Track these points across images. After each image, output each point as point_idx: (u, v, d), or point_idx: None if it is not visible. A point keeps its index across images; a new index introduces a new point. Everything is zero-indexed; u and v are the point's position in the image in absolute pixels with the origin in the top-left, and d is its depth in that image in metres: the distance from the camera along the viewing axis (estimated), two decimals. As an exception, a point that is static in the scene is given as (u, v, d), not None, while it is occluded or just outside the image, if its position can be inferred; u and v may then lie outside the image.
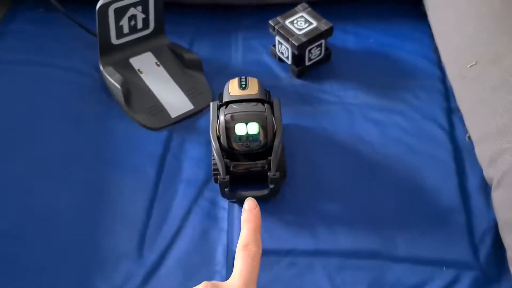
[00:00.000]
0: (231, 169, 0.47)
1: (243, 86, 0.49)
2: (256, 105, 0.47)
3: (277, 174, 0.46)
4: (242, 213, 0.42)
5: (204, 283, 0.37)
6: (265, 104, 0.47)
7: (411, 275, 0.45)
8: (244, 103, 0.47)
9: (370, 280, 0.45)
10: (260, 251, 0.39)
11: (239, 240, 0.40)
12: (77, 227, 0.48)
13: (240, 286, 0.36)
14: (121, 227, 0.48)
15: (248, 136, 0.46)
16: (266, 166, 0.47)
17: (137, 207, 0.49)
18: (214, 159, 0.47)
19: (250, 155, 0.47)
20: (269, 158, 0.47)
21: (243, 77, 0.50)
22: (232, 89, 0.49)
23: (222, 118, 0.46)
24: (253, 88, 0.48)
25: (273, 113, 0.48)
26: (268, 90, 0.51)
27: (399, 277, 0.45)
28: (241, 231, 0.41)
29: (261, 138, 0.46)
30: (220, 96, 0.50)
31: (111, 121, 0.56)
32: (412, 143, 0.54)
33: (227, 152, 0.47)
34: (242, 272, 0.37)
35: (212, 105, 0.49)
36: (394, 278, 0.45)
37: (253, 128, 0.45)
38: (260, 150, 0.47)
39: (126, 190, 0.50)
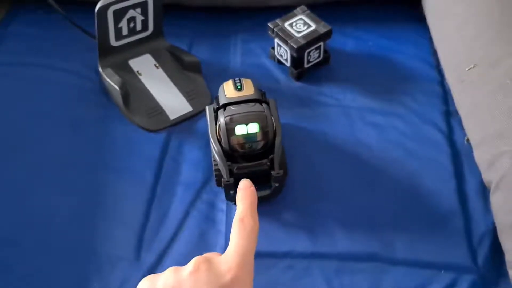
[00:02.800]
0: (234, 171, 0.47)
1: (239, 87, 0.49)
2: (254, 105, 0.47)
3: (281, 172, 0.46)
4: (237, 192, 0.42)
5: (195, 259, 0.35)
6: (263, 104, 0.47)
7: (409, 278, 0.45)
8: (242, 104, 0.47)
9: (369, 283, 0.45)
10: (257, 226, 0.38)
11: (235, 215, 0.39)
12: (74, 230, 0.48)
13: (236, 258, 0.35)
14: (119, 230, 0.48)
15: (248, 136, 0.46)
16: (269, 165, 0.47)
17: (135, 209, 0.49)
18: (215, 163, 0.47)
19: (251, 156, 0.47)
20: (270, 157, 0.46)
21: (237, 78, 0.50)
22: (228, 91, 0.49)
23: (222, 120, 0.46)
24: (248, 89, 0.49)
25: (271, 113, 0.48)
26: (263, 90, 0.51)
27: (397, 280, 0.45)
28: (237, 207, 0.40)
29: (262, 137, 0.46)
30: (216, 99, 0.50)
31: (110, 123, 0.56)
32: (410, 146, 0.53)
33: (228, 154, 0.47)
34: (238, 245, 0.36)
35: (208, 109, 0.49)
36: (392, 281, 0.45)
37: (254, 128, 0.45)
38: (261, 150, 0.47)
39: (124, 192, 0.50)
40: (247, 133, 0.45)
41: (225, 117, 0.46)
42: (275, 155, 0.46)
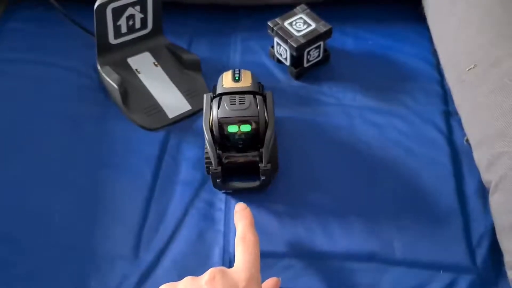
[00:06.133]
0: (224, 160, 0.47)
1: (237, 78, 0.49)
2: (249, 106, 0.47)
3: (269, 165, 0.47)
4: (234, 215, 0.44)
5: (211, 270, 0.37)
6: (257, 97, 0.48)
7: (408, 278, 0.45)
8: (237, 104, 0.47)
9: (367, 283, 0.45)
10: (258, 240, 0.40)
11: (236, 235, 0.41)
12: (73, 229, 0.48)
13: (245, 272, 0.37)
14: (117, 228, 0.48)
15: (241, 133, 0.47)
16: (258, 158, 0.47)
17: (134, 208, 0.49)
18: (206, 150, 0.48)
19: (243, 147, 0.48)
20: (261, 150, 0.47)
21: (237, 69, 0.51)
22: (226, 81, 0.49)
23: (215, 113, 0.47)
24: (246, 81, 0.49)
25: (265, 105, 0.48)
26: (261, 83, 0.51)
27: (396, 280, 0.45)
28: (237, 228, 0.42)
29: (253, 134, 0.47)
30: (214, 88, 0.50)
31: (108, 122, 0.55)
32: (410, 146, 0.53)
33: (220, 143, 0.48)
34: (245, 261, 0.38)
35: (205, 97, 0.50)
36: (391, 281, 0.45)
37: (246, 128, 0.46)
38: (252, 142, 0.47)
39: (123, 191, 0.50)
40: (239, 130, 0.46)
41: (219, 118, 0.46)
42: (264, 149, 0.47)
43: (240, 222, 0.42)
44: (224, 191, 0.50)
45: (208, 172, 0.48)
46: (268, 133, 0.47)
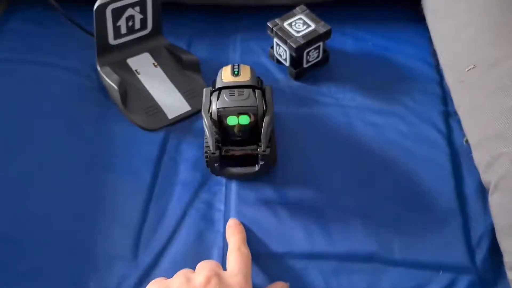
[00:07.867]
0: (223, 153, 0.48)
1: (236, 72, 0.49)
2: (248, 97, 0.47)
3: (268, 150, 0.47)
4: (227, 230, 0.45)
5: (206, 272, 0.38)
6: (256, 91, 0.48)
7: (407, 279, 0.45)
8: (236, 91, 0.47)
9: (367, 283, 0.45)
10: (250, 256, 0.41)
11: (229, 247, 0.42)
12: (71, 229, 0.48)
13: (239, 276, 0.39)
14: (116, 229, 0.48)
15: (240, 126, 0.47)
16: (257, 152, 0.48)
17: (133, 208, 0.49)
18: (206, 140, 0.48)
19: (241, 141, 0.48)
20: (259, 143, 0.47)
21: (236, 64, 0.51)
22: (225, 75, 0.50)
23: (214, 107, 0.47)
24: (245, 75, 0.49)
25: (264, 99, 0.48)
26: (261, 78, 0.51)
27: (395, 280, 0.45)
28: (230, 241, 0.43)
29: (253, 126, 0.47)
30: (213, 82, 0.50)
31: (108, 122, 0.55)
32: (409, 146, 0.53)
33: (220, 138, 0.48)
34: (239, 267, 0.39)
35: (205, 90, 0.50)
36: (390, 281, 0.45)
37: (245, 119, 0.47)
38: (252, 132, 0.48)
39: (122, 191, 0.50)
40: (238, 123, 0.47)
41: (218, 108, 0.46)
42: (263, 133, 0.46)
43: (233, 237, 0.44)
44: (221, 176, 0.50)
45: (208, 164, 0.48)
46: (267, 118, 0.47)
